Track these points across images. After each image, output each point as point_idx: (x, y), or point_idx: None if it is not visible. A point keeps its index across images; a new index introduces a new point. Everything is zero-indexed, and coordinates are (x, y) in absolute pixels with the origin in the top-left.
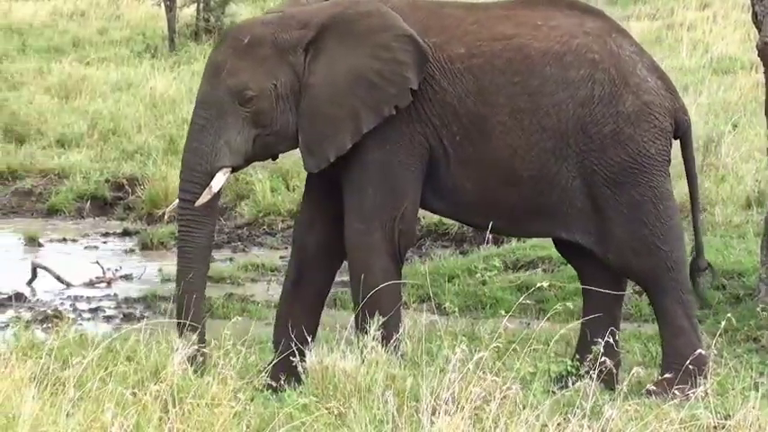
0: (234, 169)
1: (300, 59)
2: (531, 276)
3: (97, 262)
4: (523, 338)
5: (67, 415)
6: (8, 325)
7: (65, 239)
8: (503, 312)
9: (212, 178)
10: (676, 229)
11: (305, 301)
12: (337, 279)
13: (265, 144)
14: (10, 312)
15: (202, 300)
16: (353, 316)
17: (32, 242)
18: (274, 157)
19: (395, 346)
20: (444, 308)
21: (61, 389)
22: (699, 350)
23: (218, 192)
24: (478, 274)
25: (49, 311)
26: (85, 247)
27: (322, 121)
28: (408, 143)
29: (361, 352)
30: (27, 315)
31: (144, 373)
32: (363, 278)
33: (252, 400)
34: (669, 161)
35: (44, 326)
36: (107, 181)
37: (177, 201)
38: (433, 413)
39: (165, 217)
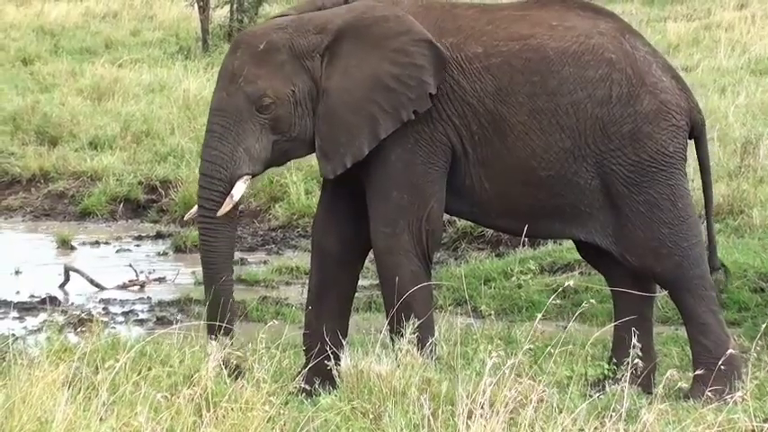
0: (253, 176)
1: (318, 64)
2: (568, 279)
3: (130, 265)
4: (559, 342)
5: (100, 419)
6: (41, 329)
7: (97, 242)
8: (539, 315)
9: (232, 186)
10: (695, 227)
11: (331, 304)
12: (372, 282)
13: (284, 150)
14: (43, 316)
15: (234, 305)
16: (387, 320)
17: (65, 245)
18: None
19: (429, 350)
20: (480, 311)
21: (94, 393)
22: (728, 346)
23: (238, 199)
24: (514, 277)
25: (81, 315)
26: (118, 250)
27: (339, 127)
28: (429, 142)
29: (396, 355)
30: (60, 319)
31: (177, 377)
32: (393, 282)
33: (286, 403)
34: (686, 159)
35: (77, 329)
36: (140, 183)
37: (196, 207)
38: (469, 417)
39: (185, 220)
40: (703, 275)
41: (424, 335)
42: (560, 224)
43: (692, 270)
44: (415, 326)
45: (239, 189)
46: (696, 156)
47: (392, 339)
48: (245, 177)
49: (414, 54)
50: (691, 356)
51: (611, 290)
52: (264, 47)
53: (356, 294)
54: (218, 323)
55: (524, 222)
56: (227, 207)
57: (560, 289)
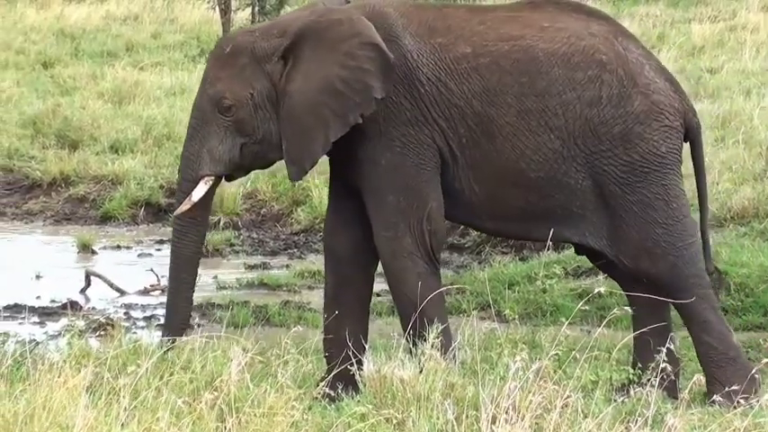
0: (227, 178)
1: (277, 68)
2: (592, 283)
3: (151, 269)
4: (584, 346)
5: (122, 425)
6: (62, 333)
7: (119, 246)
8: (563, 320)
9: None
10: (690, 227)
11: (348, 306)
12: None
13: (254, 152)
14: (63, 321)
15: (187, 305)
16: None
17: (86, 249)
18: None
19: (452, 353)
20: (504, 315)
21: (115, 398)
22: (732, 340)
23: (206, 200)
24: (539, 282)
25: (102, 320)
26: (139, 255)
27: (298, 130)
28: (417, 145)
29: (420, 360)
30: (81, 323)
31: (199, 382)
32: (401, 287)
33: (309, 409)
34: (680, 161)
35: (98, 334)
36: (161, 187)
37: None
38: (493, 422)
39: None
40: (699, 274)
41: (444, 337)
42: (552, 227)
43: (687, 269)
44: (431, 329)
45: (199, 190)
46: (691, 159)
47: (414, 344)
48: (207, 178)
49: (360, 58)
50: (698, 357)
51: (627, 294)
52: (230, 50)
53: (378, 299)
54: (169, 322)
55: (516, 225)
56: (184, 207)
57: (589, 296)
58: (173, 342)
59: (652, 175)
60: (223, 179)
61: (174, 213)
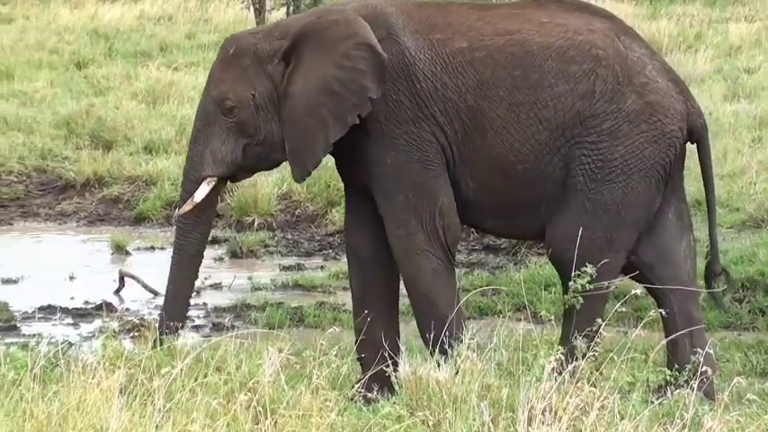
0: (231, 179)
1: (279, 69)
2: (628, 284)
3: None
4: (621, 347)
5: (156, 427)
6: (96, 335)
7: (153, 247)
8: (602, 322)
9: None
10: (623, 243)
11: (376, 306)
12: None
13: (257, 154)
14: (97, 322)
15: (184, 304)
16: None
17: (120, 250)
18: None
19: (450, 346)
20: (540, 316)
21: (150, 400)
22: None
23: (210, 200)
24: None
25: (136, 321)
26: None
27: (299, 131)
28: (419, 142)
29: (456, 361)
30: (114, 325)
31: (234, 384)
32: (416, 284)
33: (345, 410)
34: (663, 170)
35: (132, 336)
36: None
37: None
38: (530, 423)
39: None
40: (604, 291)
41: (451, 332)
42: (538, 221)
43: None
44: (443, 327)
45: (201, 191)
46: (698, 160)
47: (432, 343)
48: (209, 179)
49: (356, 58)
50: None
51: (652, 293)
52: (233, 52)
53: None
54: (166, 320)
55: (507, 222)
56: (186, 207)
57: (626, 297)
58: (162, 340)
59: (620, 177)
60: (227, 180)
61: (176, 213)
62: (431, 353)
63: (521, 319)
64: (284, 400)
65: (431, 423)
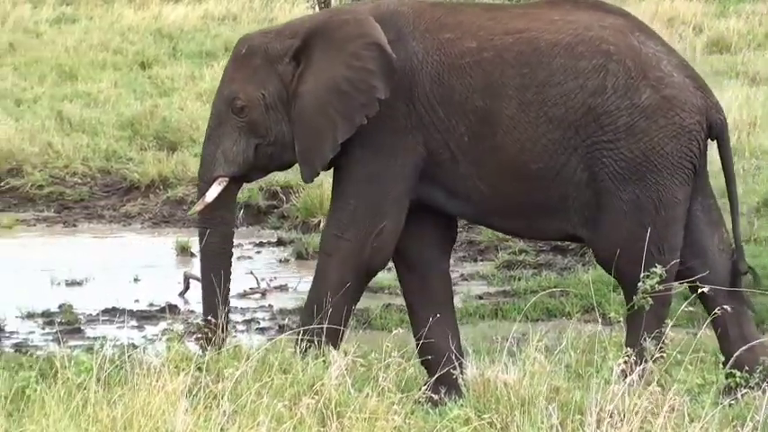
0: (244, 179)
1: (289, 69)
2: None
3: (251, 272)
4: (690, 348)
5: (222, 429)
6: (160, 337)
7: None
8: (669, 322)
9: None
10: (673, 240)
11: (431, 309)
12: (498, 289)
13: (268, 154)
14: (162, 324)
15: (218, 304)
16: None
17: (184, 252)
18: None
19: (315, 354)
20: (609, 318)
21: (215, 402)
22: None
23: (227, 200)
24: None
25: (201, 323)
26: (239, 257)
27: (309, 131)
28: (403, 151)
29: (524, 363)
30: (179, 327)
31: (300, 386)
32: (321, 281)
33: (411, 413)
34: (690, 164)
35: (196, 338)
36: (261, 189)
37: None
38: (598, 426)
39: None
40: (665, 291)
41: (327, 341)
42: (553, 221)
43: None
44: (316, 331)
45: (213, 191)
46: (719, 156)
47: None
48: (221, 179)
49: (365, 58)
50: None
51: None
52: (245, 51)
53: (480, 301)
54: (209, 317)
55: (521, 221)
56: (198, 207)
57: (693, 296)
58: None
59: (649, 174)
60: (242, 181)
61: (188, 213)
62: (294, 344)
63: (589, 321)
64: (350, 402)
65: (498, 426)
